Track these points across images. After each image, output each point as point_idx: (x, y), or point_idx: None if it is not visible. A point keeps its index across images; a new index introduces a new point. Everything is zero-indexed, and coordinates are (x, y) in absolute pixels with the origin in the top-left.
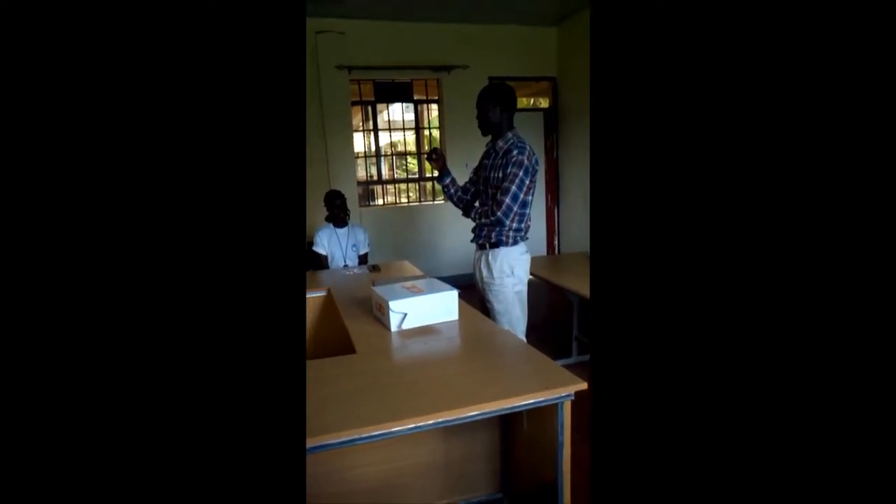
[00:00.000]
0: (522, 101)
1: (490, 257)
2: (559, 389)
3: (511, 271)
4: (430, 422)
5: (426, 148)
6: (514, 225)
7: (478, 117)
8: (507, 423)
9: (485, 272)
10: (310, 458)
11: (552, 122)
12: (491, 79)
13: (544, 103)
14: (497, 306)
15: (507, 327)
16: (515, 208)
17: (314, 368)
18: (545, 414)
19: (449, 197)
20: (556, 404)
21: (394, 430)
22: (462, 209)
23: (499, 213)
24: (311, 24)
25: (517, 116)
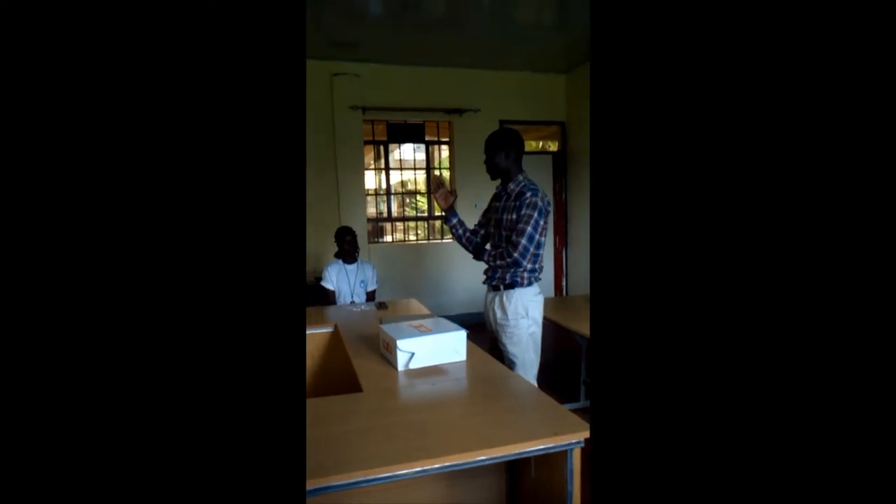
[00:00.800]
0: (532, 145)
1: (504, 298)
2: (568, 436)
3: (526, 312)
4: (437, 465)
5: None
6: (529, 266)
7: (486, 162)
8: (514, 469)
9: (498, 313)
10: (314, 501)
11: (561, 165)
12: (501, 122)
13: (553, 147)
14: (512, 349)
15: (520, 370)
16: (532, 249)
17: (320, 406)
18: (554, 461)
19: (458, 238)
20: (566, 451)
21: (399, 473)
22: (472, 251)
23: (515, 255)
24: (328, 66)
25: (527, 159)
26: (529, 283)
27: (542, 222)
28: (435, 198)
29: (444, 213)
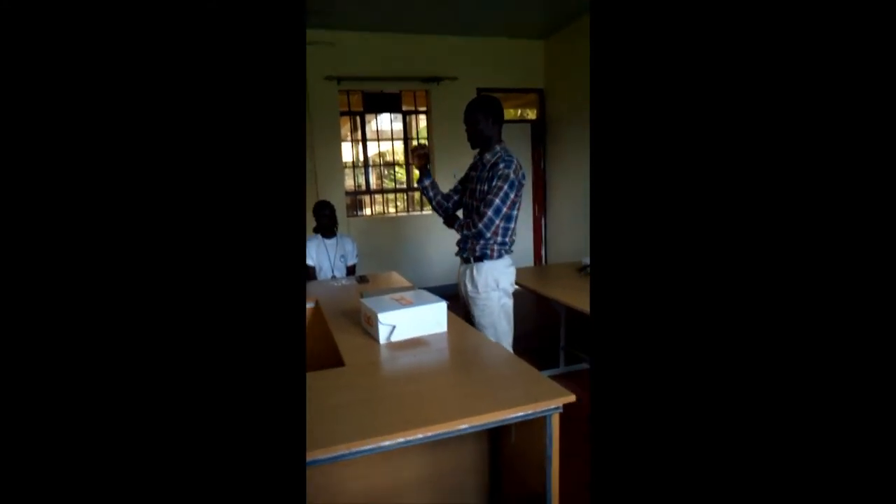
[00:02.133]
0: (510, 113)
1: (475, 271)
2: (548, 402)
3: (496, 284)
4: (420, 436)
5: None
6: (499, 238)
7: (467, 130)
8: (496, 436)
9: (469, 286)
10: None
11: (539, 133)
12: (479, 90)
13: (531, 115)
14: (482, 320)
15: (493, 341)
16: (497, 221)
17: None
18: (533, 426)
19: (429, 199)
20: (545, 417)
21: (383, 444)
22: (444, 217)
23: (480, 226)
24: None
25: (506, 127)
26: (500, 256)
27: (512, 195)
28: (412, 156)
29: (418, 174)
